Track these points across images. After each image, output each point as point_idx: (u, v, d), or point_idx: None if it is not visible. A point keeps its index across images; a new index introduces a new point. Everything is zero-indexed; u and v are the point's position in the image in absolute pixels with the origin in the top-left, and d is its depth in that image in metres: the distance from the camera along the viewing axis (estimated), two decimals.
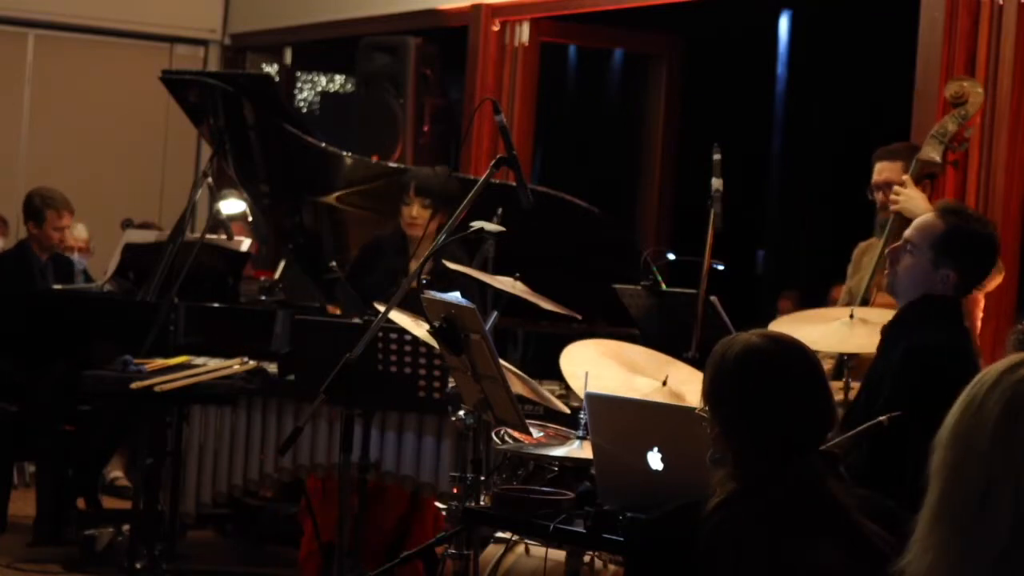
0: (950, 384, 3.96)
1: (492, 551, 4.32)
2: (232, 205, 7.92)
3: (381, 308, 4.65)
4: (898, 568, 1.86)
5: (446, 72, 8.39)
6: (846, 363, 4.79)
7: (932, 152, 5.23)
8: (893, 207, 5.15)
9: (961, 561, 1.78)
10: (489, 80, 8.04)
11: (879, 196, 5.40)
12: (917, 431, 3.51)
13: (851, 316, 4.76)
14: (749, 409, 2.91)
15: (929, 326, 3.88)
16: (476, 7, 8.10)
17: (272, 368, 5.93)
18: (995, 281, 5.20)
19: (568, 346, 4.83)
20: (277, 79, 10.02)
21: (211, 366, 5.96)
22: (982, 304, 5.42)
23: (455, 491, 4.41)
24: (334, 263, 5.94)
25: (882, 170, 5.41)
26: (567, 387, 5.14)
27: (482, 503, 4.13)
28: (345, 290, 6.32)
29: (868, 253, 5.58)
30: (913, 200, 5.13)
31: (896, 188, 5.18)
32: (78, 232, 8.40)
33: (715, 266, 5.16)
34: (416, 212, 6.06)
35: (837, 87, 8.31)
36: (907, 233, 3.97)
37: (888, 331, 3.98)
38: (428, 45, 8.23)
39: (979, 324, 5.44)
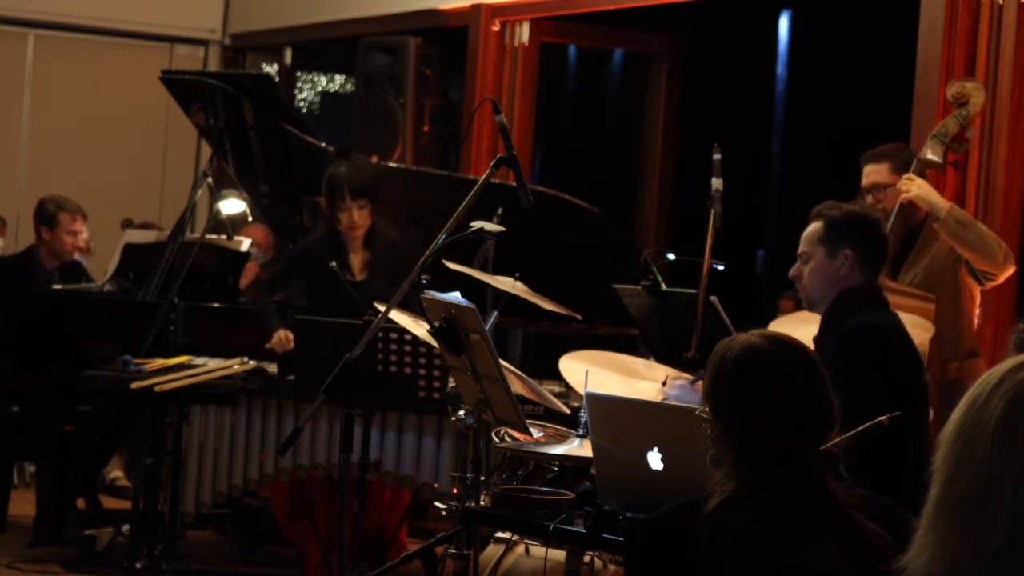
0: (891, 357, 3.98)
1: (492, 551, 4.32)
2: (232, 205, 7.92)
3: (381, 308, 4.65)
4: (899, 565, 1.86)
5: (446, 72, 8.39)
6: None
7: (933, 152, 5.24)
8: (906, 196, 5.17)
9: (958, 559, 1.78)
10: (489, 80, 8.04)
11: (868, 199, 5.41)
12: (865, 407, 3.49)
13: None
14: (749, 409, 2.91)
15: (855, 314, 3.98)
16: (476, 7, 8.10)
17: (272, 368, 5.93)
18: (1006, 272, 5.20)
19: (564, 356, 4.84)
20: (277, 79, 10.02)
21: (211, 366, 5.97)
22: (978, 299, 5.42)
23: (455, 491, 4.41)
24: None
25: (870, 173, 5.43)
26: (567, 387, 5.15)
27: (482, 503, 4.13)
28: (263, 300, 6.31)
29: None
30: (925, 187, 5.16)
31: (905, 181, 5.19)
32: None
33: (715, 266, 5.16)
34: (356, 215, 6.01)
35: (837, 87, 8.31)
36: (798, 252, 4.16)
37: (819, 339, 4.03)
38: (428, 45, 8.22)
39: (976, 321, 5.44)
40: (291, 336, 5.99)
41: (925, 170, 5.25)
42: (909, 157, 5.34)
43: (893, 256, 5.18)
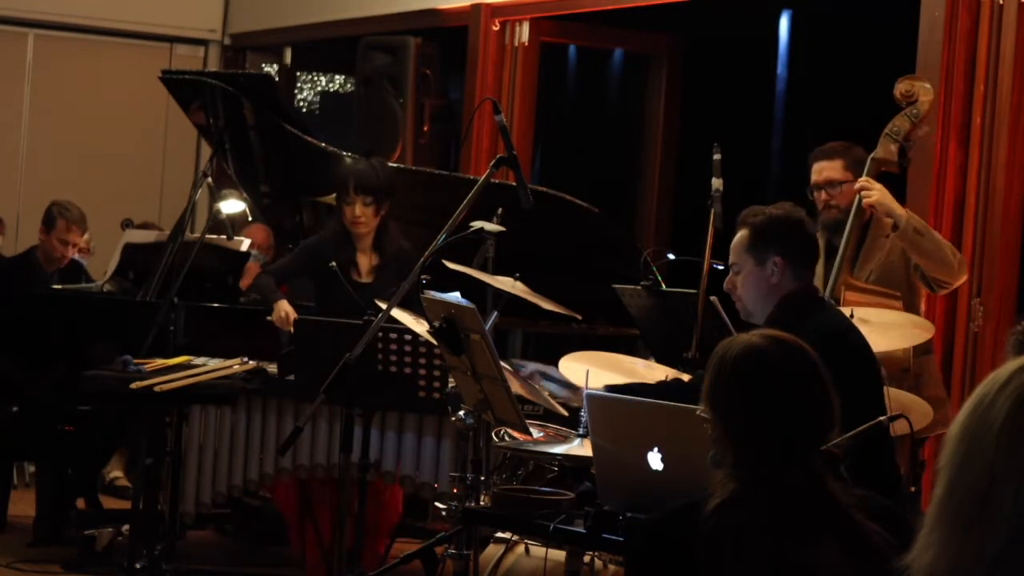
0: (865, 356, 3.98)
1: (492, 551, 4.33)
2: (232, 205, 7.92)
3: (382, 307, 4.65)
4: (902, 565, 1.85)
5: (446, 72, 8.39)
6: None
7: (887, 151, 5.23)
8: (868, 201, 5.13)
9: (960, 560, 1.78)
10: (489, 80, 8.04)
11: (821, 196, 5.41)
12: (859, 409, 3.47)
13: (851, 315, 4.76)
14: (749, 410, 2.91)
15: (809, 318, 3.88)
16: (476, 7, 8.10)
17: (272, 368, 5.93)
18: (959, 280, 5.19)
19: (564, 357, 4.84)
20: (277, 79, 10.02)
21: (211, 366, 5.96)
22: (924, 299, 5.40)
23: (455, 491, 4.42)
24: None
25: (822, 169, 5.43)
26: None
27: (482, 503, 4.13)
28: (265, 281, 6.31)
29: None
30: (885, 194, 5.14)
31: (864, 183, 5.16)
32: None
33: (715, 266, 5.16)
34: (360, 211, 6.02)
35: (837, 87, 8.30)
36: (729, 263, 4.06)
37: None
38: (428, 45, 8.23)
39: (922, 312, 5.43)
40: (292, 311, 6.01)
41: (880, 169, 5.24)
42: (860, 155, 5.34)
43: (852, 254, 5.20)
